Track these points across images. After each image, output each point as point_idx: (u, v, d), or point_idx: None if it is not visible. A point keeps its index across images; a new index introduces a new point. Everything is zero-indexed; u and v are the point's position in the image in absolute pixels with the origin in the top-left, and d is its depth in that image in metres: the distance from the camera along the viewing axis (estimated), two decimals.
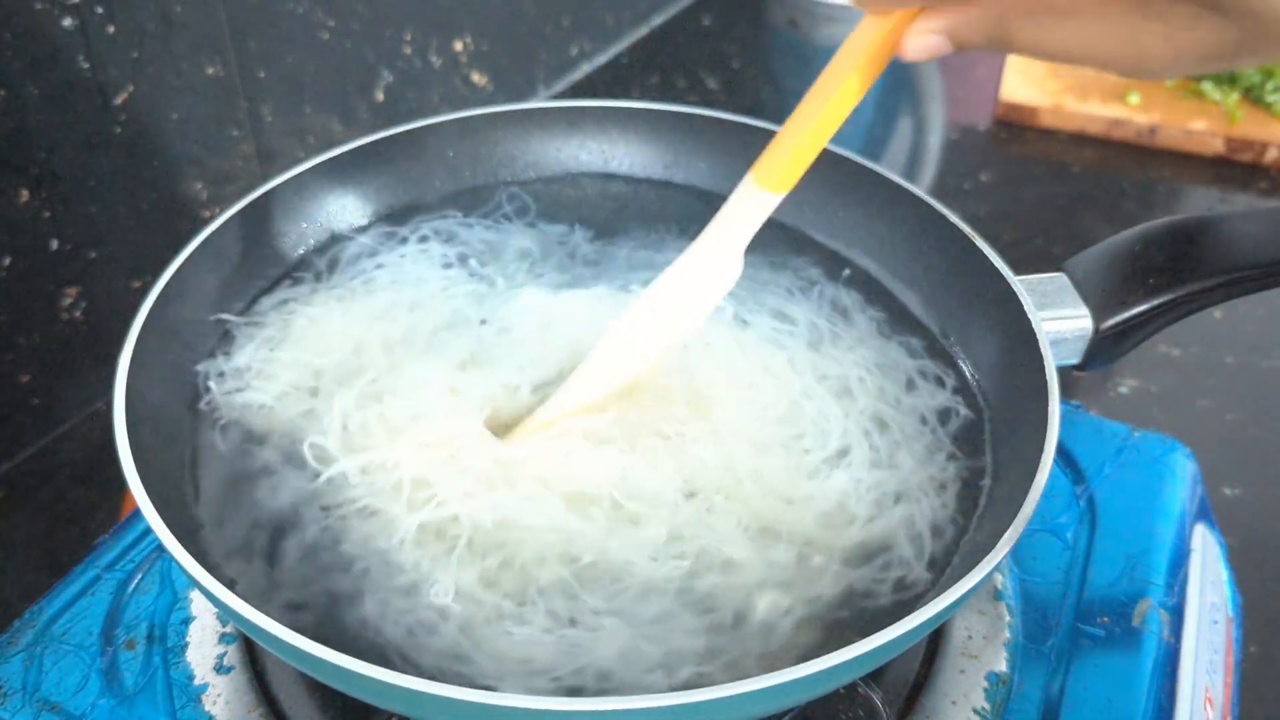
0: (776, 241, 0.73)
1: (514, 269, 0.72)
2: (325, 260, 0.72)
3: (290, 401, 0.62)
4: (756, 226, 0.57)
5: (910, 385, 0.65)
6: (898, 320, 0.70)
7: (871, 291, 0.71)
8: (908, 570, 0.55)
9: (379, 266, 0.71)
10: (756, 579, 0.54)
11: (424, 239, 0.74)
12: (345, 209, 0.75)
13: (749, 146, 0.77)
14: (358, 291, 0.69)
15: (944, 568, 0.55)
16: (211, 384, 0.63)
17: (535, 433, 0.60)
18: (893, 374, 0.66)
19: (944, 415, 0.63)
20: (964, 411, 0.63)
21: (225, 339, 0.65)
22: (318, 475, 0.57)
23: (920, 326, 0.69)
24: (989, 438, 0.62)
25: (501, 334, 0.66)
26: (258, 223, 0.70)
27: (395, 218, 0.76)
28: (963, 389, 0.65)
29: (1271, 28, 0.40)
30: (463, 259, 0.72)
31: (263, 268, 0.71)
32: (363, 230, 0.75)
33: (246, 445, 0.60)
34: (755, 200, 0.56)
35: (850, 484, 0.58)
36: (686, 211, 0.78)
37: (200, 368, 0.63)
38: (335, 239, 0.74)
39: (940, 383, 0.65)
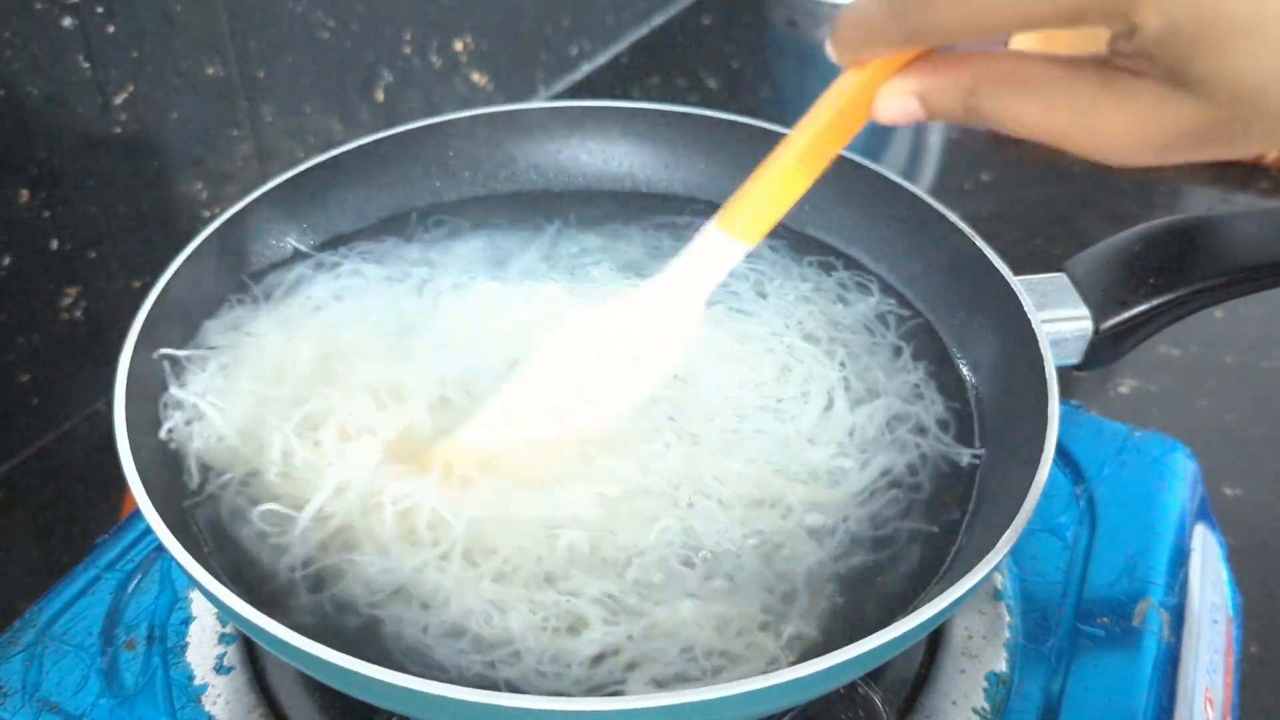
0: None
1: (458, 277, 0.71)
2: (271, 279, 0.70)
3: (246, 434, 0.59)
4: (721, 275, 0.55)
5: (842, 299, 0.70)
6: (801, 243, 0.74)
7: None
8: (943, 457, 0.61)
9: (329, 286, 0.69)
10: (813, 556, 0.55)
11: (362, 259, 0.72)
12: (345, 209, 0.75)
13: (749, 146, 0.78)
14: (301, 310, 0.67)
15: (972, 442, 0.62)
16: (170, 413, 0.60)
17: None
18: (825, 294, 0.70)
19: (884, 319, 0.69)
20: (900, 311, 0.69)
21: (176, 366, 0.62)
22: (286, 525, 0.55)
23: (822, 245, 0.74)
24: (989, 435, 0.62)
25: (441, 340, 0.64)
26: (260, 223, 0.70)
27: (390, 220, 0.76)
28: (903, 304, 0.70)
29: (1245, 108, 0.37)
30: (406, 273, 0.71)
31: (260, 274, 0.71)
32: (359, 232, 0.75)
33: (212, 480, 0.58)
34: (721, 246, 0.54)
35: (850, 428, 0.61)
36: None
37: (160, 399, 0.61)
38: (297, 254, 0.72)
39: (864, 289, 0.71)
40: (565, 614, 0.51)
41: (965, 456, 0.61)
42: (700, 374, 0.63)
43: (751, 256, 0.71)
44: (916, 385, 0.65)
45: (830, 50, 0.46)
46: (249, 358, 0.63)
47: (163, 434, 0.59)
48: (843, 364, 0.65)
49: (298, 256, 0.72)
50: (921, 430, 0.62)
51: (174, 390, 0.61)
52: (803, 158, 0.50)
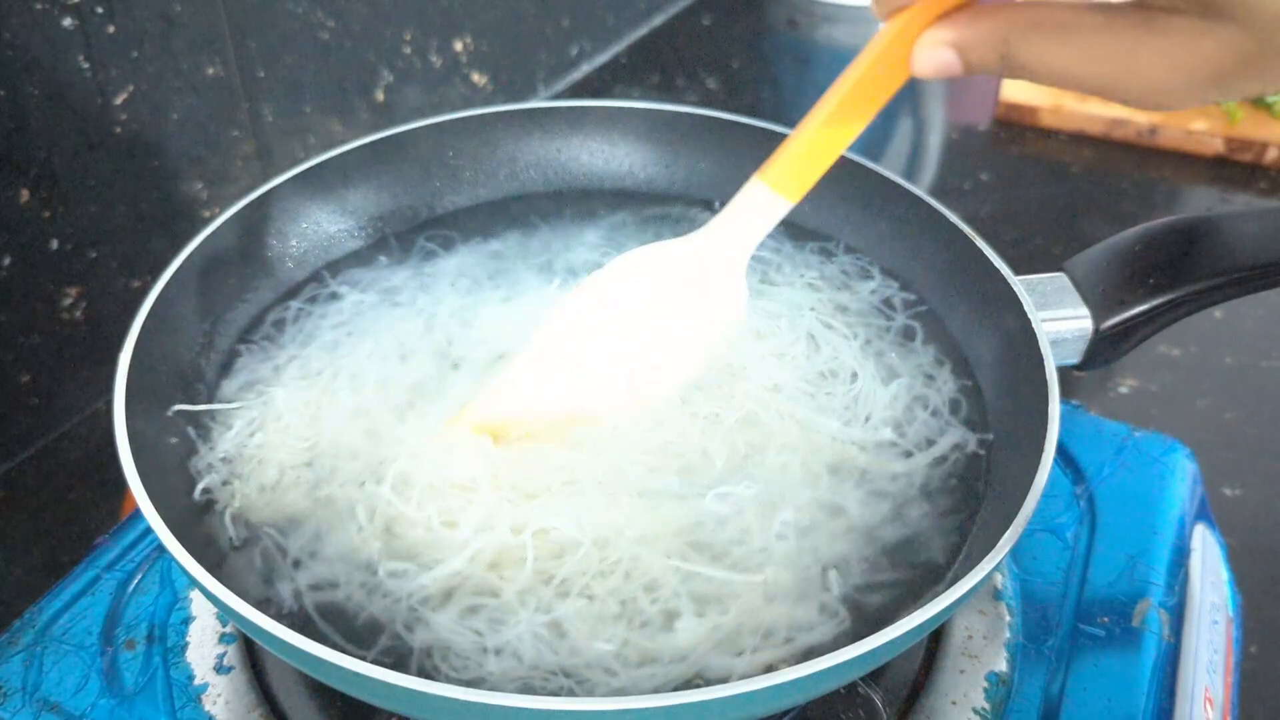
0: None
1: (463, 294, 0.70)
2: (272, 323, 0.69)
3: (293, 480, 0.58)
4: (764, 232, 0.55)
5: (846, 285, 0.72)
6: (796, 231, 0.76)
7: None
8: (962, 447, 0.62)
9: (333, 325, 0.68)
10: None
11: (357, 288, 0.71)
12: (345, 209, 0.75)
13: (749, 146, 0.78)
14: (319, 356, 0.66)
15: (984, 430, 0.63)
16: (204, 476, 0.58)
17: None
18: (831, 280, 0.72)
19: (889, 303, 0.70)
20: (902, 294, 0.71)
21: (201, 429, 0.61)
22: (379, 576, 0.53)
23: (814, 233, 0.75)
24: (993, 428, 0.62)
25: (486, 367, 0.64)
26: (259, 222, 0.70)
27: (391, 222, 0.76)
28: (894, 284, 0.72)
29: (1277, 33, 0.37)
30: (410, 298, 0.70)
31: (263, 271, 0.71)
32: (349, 237, 0.75)
33: (262, 534, 0.56)
34: (764, 201, 0.53)
35: (884, 403, 0.63)
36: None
37: (189, 464, 0.59)
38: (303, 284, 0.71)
39: (866, 274, 0.72)
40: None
41: (973, 441, 0.62)
42: (733, 348, 0.64)
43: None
44: (930, 367, 0.66)
45: (872, 6, 0.47)
46: (275, 412, 0.61)
47: (197, 494, 0.57)
48: (867, 342, 0.67)
49: (294, 285, 0.71)
50: (936, 412, 0.63)
51: (204, 452, 0.59)
52: (843, 110, 0.50)
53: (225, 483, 0.58)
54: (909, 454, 0.61)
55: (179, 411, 0.61)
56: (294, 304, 0.70)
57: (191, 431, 0.61)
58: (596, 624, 0.51)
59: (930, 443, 0.61)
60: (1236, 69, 0.39)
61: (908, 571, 0.55)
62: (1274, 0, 0.37)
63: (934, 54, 0.45)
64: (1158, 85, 0.40)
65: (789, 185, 0.53)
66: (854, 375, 0.64)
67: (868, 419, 0.62)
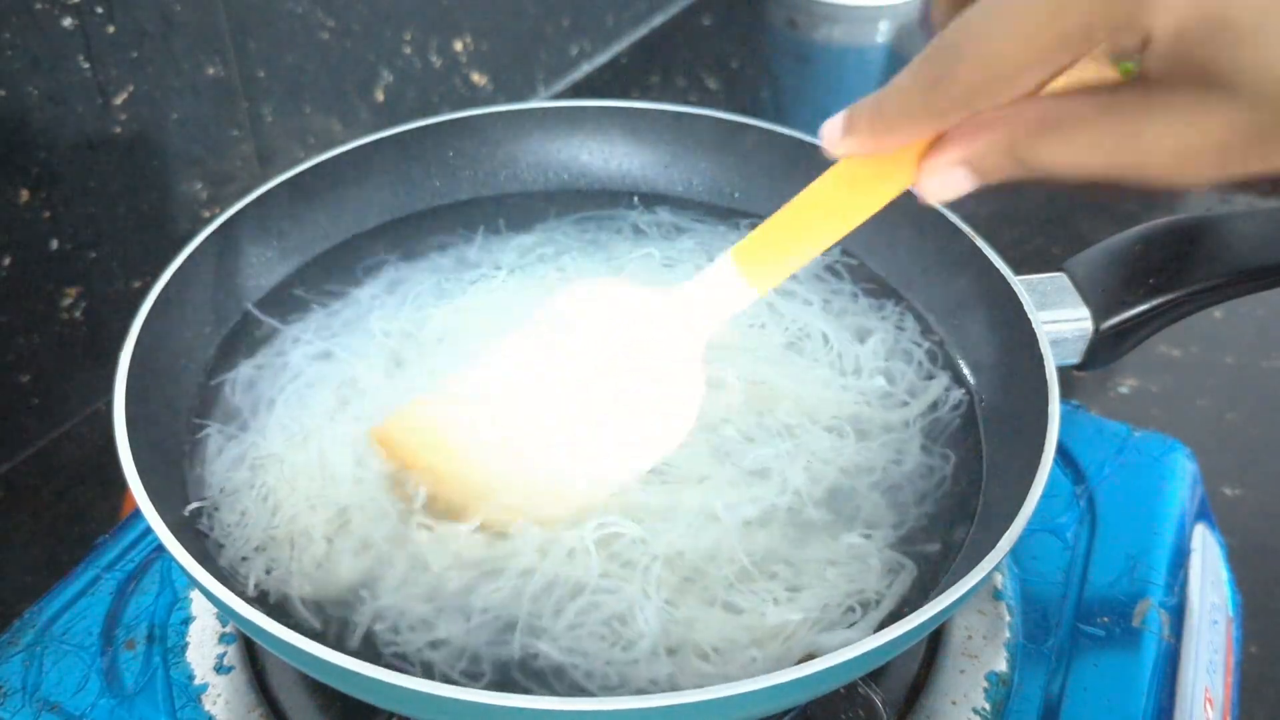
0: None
1: (432, 305, 0.69)
2: (239, 392, 0.64)
3: (344, 548, 0.55)
4: (721, 319, 0.52)
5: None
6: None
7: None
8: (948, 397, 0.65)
9: (296, 377, 0.64)
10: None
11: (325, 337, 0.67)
12: (344, 209, 0.75)
13: (748, 146, 0.78)
14: (303, 399, 0.62)
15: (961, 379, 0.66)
16: (240, 569, 0.54)
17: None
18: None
19: (833, 269, 0.73)
20: (848, 260, 0.74)
21: (211, 520, 0.57)
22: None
23: None
24: (987, 433, 0.62)
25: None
26: (260, 222, 0.70)
27: (386, 225, 0.76)
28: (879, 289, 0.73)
29: (1277, 102, 0.34)
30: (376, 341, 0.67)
31: (265, 274, 0.71)
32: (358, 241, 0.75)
33: (331, 613, 0.53)
34: (728, 282, 0.50)
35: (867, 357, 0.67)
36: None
37: (221, 563, 0.55)
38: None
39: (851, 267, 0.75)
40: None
41: (957, 393, 0.65)
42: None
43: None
44: (896, 324, 0.70)
45: (840, 140, 0.43)
46: (283, 481, 0.58)
47: (250, 590, 0.53)
48: (826, 304, 0.70)
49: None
50: (918, 364, 0.67)
51: (228, 546, 0.55)
52: (823, 204, 0.47)
53: (269, 570, 0.54)
54: (905, 403, 0.64)
55: (192, 510, 0.57)
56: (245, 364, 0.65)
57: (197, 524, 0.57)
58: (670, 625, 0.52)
59: (927, 381, 0.65)
60: (1247, 146, 0.35)
61: (946, 508, 0.59)
62: (1262, 67, 0.33)
63: (946, 178, 0.42)
64: (1168, 165, 0.37)
65: (755, 272, 0.49)
66: (824, 337, 0.68)
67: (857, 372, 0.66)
